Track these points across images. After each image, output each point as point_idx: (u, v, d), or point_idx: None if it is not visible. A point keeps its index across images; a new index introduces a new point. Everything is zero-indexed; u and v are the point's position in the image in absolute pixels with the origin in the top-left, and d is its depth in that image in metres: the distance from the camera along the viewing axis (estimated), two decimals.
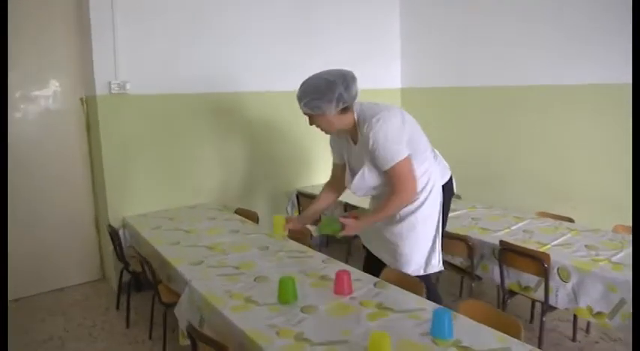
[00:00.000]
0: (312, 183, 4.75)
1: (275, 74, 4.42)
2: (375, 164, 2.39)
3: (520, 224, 3.31)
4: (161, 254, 2.91)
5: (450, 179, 2.66)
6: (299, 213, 4.38)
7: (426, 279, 2.47)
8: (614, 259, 2.61)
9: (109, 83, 3.67)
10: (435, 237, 2.55)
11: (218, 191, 4.33)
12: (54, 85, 3.83)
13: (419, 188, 2.45)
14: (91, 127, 3.96)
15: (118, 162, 3.80)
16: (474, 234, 3.12)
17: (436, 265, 2.56)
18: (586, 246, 2.82)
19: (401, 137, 2.33)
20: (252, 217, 3.74)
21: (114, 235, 3.50)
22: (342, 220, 2.41)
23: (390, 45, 5.29)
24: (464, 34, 4.64)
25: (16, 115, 3.70)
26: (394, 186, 2.36)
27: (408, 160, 2.34)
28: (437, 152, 2.66)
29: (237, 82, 4.26)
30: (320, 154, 4.48)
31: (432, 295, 2.36)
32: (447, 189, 2.62)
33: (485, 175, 4.60)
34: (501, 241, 2.84)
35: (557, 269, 2.59)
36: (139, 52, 3.76)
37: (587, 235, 3.01)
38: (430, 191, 2.51)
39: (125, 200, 3.86)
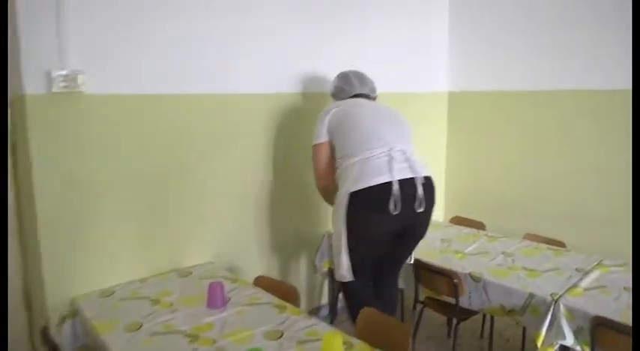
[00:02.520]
0: None
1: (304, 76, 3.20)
2: None
3: None
4: None
5: (369, 189, 2.33)
6: (330, 266, 3.15)
7: (345, 287, 2.59)
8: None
9: (49, 75, 2.17)
10: (340, 245, 2.47)
11: (223, 243, 2.91)
12: None
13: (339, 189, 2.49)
14: (17, 148, 2.42)
15: (63, 206, 2.31)
16: None
17: (344, 276, 2.52)
18: None
19: (321, 124, 2.60)
20: (290, 295, 2.31)
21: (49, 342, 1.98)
22: None
23: (437, 45, 4.17)
24: (520, 33, 3.79)
25: None
26: None
27: (319, 146, 2.61)
28: (378, 158, 2.41)
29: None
30: None
31: (350, 307, 2.57)
32: (361, 199, 2.36)
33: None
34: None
35: None
36: (103, 24, 2.31)
37: None
38: (338, 195, 2.48)
39: (76, 269, 2.37)
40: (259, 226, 3.07)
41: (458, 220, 3.54)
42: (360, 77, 2.76)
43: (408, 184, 2.33)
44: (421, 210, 2.36)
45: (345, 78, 2.75)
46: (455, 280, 2.48)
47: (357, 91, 2.71)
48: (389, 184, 2.31)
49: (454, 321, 2.66)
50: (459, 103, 4.15)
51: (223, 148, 2.81)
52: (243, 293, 2.32)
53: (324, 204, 2.84)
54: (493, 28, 3.90)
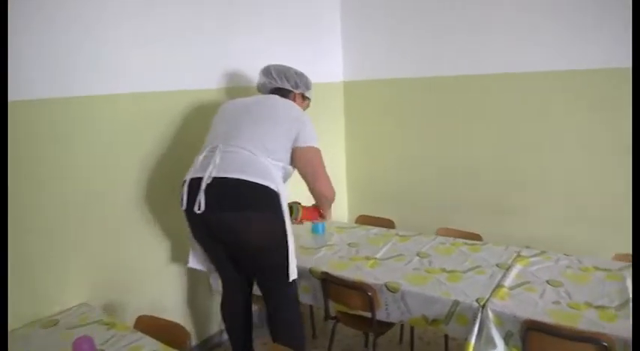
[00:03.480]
0: None
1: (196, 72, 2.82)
2: None
3: None
4: None
5: (187, 183, 2.27)
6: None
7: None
8: None
9: None
10: None
11: (98, 277, 2.45)
12: None
13: None
14: None
15: None
16: None
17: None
18: None
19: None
20: (177, 336, 1.93)
21: None
22: None
23: (329, 33, 3.88)
24: (414, 20, 3.59)
25: None
26: None
27: None
28: (212, 152, 2.28)
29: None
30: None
31: None
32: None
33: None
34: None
35: None
36: None
37: None
38: None
39: None
40: (141, 249, 2.62)
41: (364, 220, 3.28)
42: (282, 71, 2.57)
43: (196, 183, 2.21)
44: (199, 212, 2.16)
45: (265, 72, 2.58)
46: (369, 294, 2.20)
47: (277, 85, 2.55)
48: (197, 180, 2.21)
49: (371, 336, 2.39)
50: (355, 92, 3.90)
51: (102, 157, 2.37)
52: (121, 344, 1.89)
53: None
54: (386, 15, 3.67)
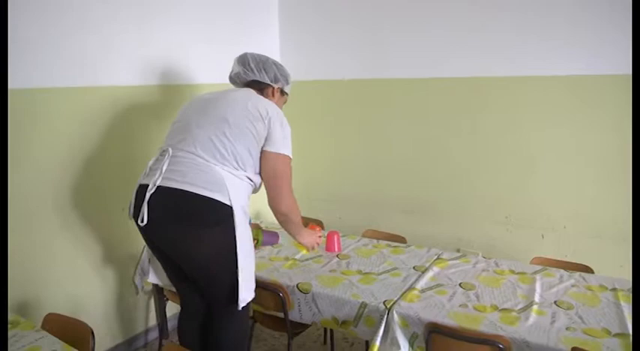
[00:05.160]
0: None
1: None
2: None
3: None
4: None
5: (135, 189, 2.08)
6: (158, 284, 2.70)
7: None
8: None
9: None
10: None
11: (11, 271, 2.34)
12: None
13: None
14: None
15: None
16: None
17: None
18: None
19: None
20: (80, 336, 1.88)
21: None
22: None
23: (267, 33, 3.85)
24: (352, 21, 3.58)
25: None
26: None
27: None
28: (165, 154, 2.05)
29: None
30: None
31: None
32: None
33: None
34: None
35: None
36: None
37: None
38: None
39: None
40: (58, 245, 2.56)
41: None
42: (260, 61, 2.28)
43: (142, 192, 2.00)
44: (142, 224, 1.96)
45: (241, 60, 2.29)
46: (281, 294, 2.19)
47: (254, 78, 2.26)
48: (143, 187, 2.01)
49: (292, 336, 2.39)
50: (296, 93, 3.86)
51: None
52: (20, 344, 1.83)
53: None
54: (324, 15, 3.66)
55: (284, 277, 2.33)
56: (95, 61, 2.58)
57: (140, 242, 2.76)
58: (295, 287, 2.23)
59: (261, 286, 2.26)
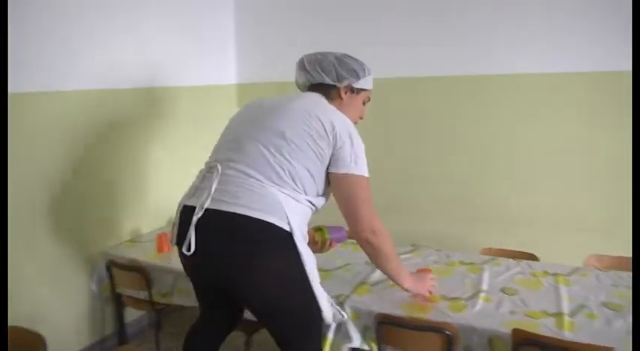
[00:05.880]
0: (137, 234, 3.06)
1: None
2: None
3: None
4: None
5: (179, 210, 1.84)
6: (112, 290, 2.75)
7: None
8: None
9: None
10: None
11: None
12: None
13: None
14: None
15: None
16: None
17: None
18: (606, 305, 2.03)
19: None
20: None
21: None
22: None
23: (222, 32, 3.84)
24: (312, 20, 3.62)
25: None
26: None
27: None
28: (212, 170, 1.80)
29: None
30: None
31: None
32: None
33: None
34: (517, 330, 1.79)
35: None
36: None
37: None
38: None
39: None
40: (17, 252, 2.53)
41: None
42: (316, 61, 1.96)
43: (189, 214, 1.74)
44: (189, 253, 1.70)
45: (300, 66, 2.02)
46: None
47: (314, 81, 1.97)
48: (190, 210, 1.75)
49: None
50: (250, 96, 3.89)
51: None
52: None
53: (102, 216, 2.61)
54: (281, 14, 3.71)
55: None
56: (58, 66, 2.58)
57: (97, 246, 2.79)
58: None
59: None
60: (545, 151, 3.05)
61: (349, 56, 1.98)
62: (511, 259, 2.53)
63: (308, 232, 1.88)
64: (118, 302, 2.83)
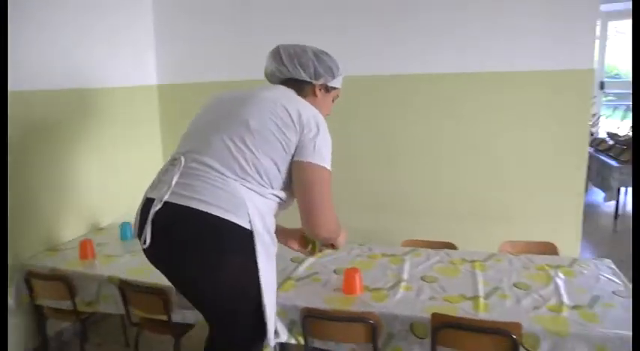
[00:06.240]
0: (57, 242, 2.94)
1: None
2: None
3: None
4: None
5: (142, 203, 1.76)
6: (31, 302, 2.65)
7: None
8: (568, 301, 2.02)
9: None
10: None
11: None
12: None
13: None
14: None
15: None
16: None
17: None
18: (516, 286, 2.18)
19: None
20: None
21: None
22: None
23: (142, 30, 3.76)
24: (231, 19, 3.66)
25: None
26: None
27: None
28: (175, 163, 1.74)
29: None
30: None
31: None
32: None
33: None
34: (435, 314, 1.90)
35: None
36: None
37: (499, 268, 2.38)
38: None
39: None
40: None
41: None
42: (294, 55, 1.87)
43: (148, 207, 1.69)
44: (145, 246, 1.68)
45: (273, 55, 1.91)
46: (163, 297, 2.21)
47: (289, 76, 1.89)
48: (150, 202, 1.70)
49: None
50: (172, 97, 3.86)
51: None
52: None
53: (18, 225, 2.46)
54: (200, 13, 3.69)
55: (164, 279, 2.30)
56: None
57: (12, 258, 2.67)
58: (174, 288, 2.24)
59: (142, 290, 2.26)
60: (467, 147, 3.22)
61: (326, 53, 1.93)
62: (430, 249, 2.63)
63: (300, 237, 2.00)
64: (39, 315, 2.72)
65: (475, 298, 2.06)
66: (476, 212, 3.25)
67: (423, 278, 2.28)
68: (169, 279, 1.82)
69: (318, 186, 1.72)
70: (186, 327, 2.38)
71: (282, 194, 1.76)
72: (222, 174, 1.65)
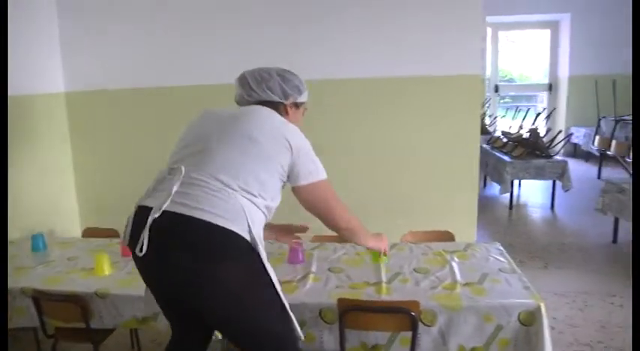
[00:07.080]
0: None
1: None
2: None
3: None
4: None
5: (134, 211, 1.77)
6: None
7: None
8: (461, 279, 2.29)
9: None
10: None
11: None
12: None
13: None
14: None
15: None
16: None
17: None
18: (416, 270, 2.42)
19: None
20: None
21: None
22: None
23: (46, 35, 3.70)
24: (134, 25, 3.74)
25: None
26: None
27: None
28: (174, 172, 1.76)
29: None
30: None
31: None
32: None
33: None
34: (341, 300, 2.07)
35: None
36: None
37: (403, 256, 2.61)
38: None
39: None
40: None
41: (90, 233, 3.23)
42: (262, 80, 1.97)
43: (144, 215, 1.70)
44: (141, 254, 1.65)
45: (240, 82, 2.01)
46: (80, 304, 2.23)
47: (260, 99, 1.96)
48: (145, 210, 1.70)
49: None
50: (80, 104, 3.84)
51: None
52: None
53: None
54: (105, 17, 3.71)
55: (82, 287, 2.34)
56: None
57: None
58: (94, 294, 2.28)
59: (58, 299, 2.27)
60: (374, 147, 3.50)
61: (289, 72, 2.02)
62: (337, 243, 2.82)
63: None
64: None
65: (378, 283, 2.27)
66: (382, 206, 3.48)
67: (330, 269, 2.45)
68: (159, 286, 1.83)
69: (324, 195, 1.92)
70: (107, 332, 2.41)
71: (271, 204, 1.84)
72: (226, 185, 1.70)
